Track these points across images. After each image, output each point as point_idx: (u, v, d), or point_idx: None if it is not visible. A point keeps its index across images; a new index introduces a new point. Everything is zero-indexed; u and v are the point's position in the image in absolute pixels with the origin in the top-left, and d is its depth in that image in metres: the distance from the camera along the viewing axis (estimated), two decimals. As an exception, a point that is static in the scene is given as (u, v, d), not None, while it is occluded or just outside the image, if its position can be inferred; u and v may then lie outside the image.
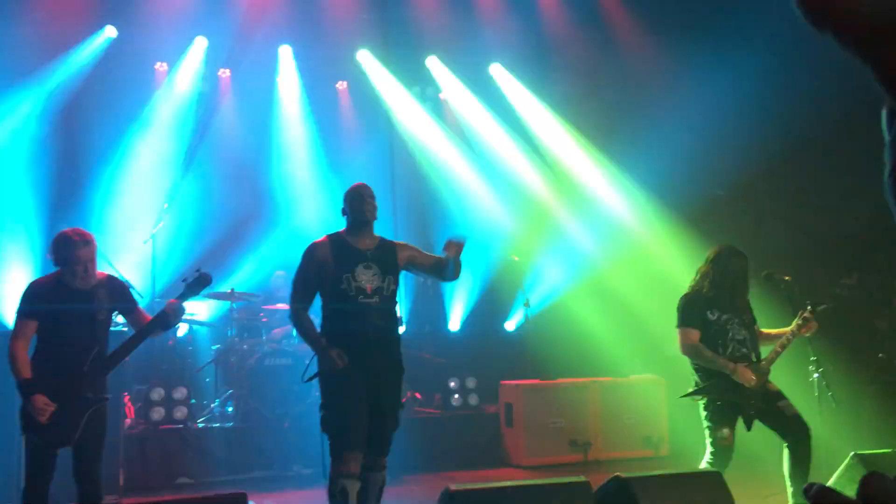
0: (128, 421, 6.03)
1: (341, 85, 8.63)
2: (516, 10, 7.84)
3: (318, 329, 3.85)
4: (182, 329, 7.03)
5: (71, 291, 3.74)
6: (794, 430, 4.16)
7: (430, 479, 5.96)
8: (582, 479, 3.53)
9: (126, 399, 5.95)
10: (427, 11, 7.81)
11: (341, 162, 8.18)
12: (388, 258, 3.91)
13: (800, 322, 4.29)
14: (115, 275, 4.38)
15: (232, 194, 7.93)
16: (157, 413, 6.06)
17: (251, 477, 6.00)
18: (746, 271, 4.41)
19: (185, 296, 3.81)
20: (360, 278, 3.75)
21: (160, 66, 7.92)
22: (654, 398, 7.04)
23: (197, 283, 3.79)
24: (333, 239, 3.90)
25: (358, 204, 3.87)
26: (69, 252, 3.73)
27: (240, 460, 6.11)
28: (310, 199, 8.14)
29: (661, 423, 7.00)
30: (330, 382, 3.74)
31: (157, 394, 6.13)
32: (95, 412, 3.70)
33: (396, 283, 3.91)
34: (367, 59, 8.33)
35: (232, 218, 7.78)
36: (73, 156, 7.21)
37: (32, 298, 3.76)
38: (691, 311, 4.33)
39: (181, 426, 6.09)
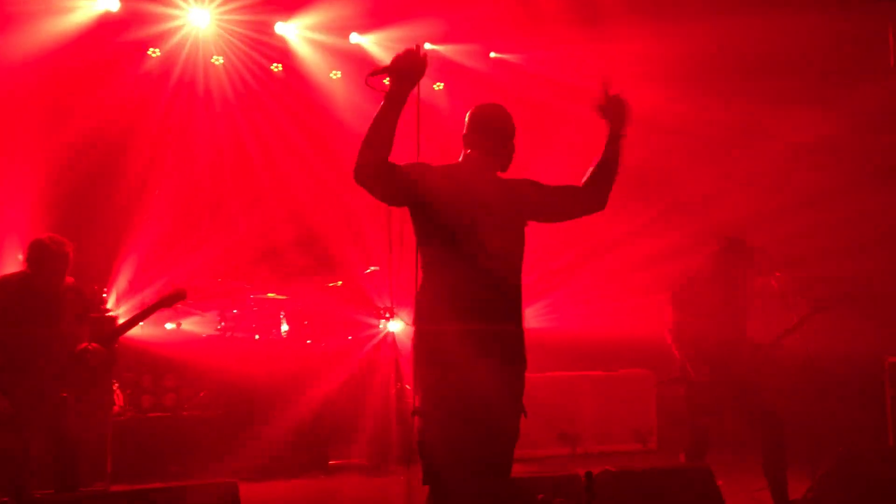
0: (116, 408, 6.01)
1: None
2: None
3: None
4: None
5: (36, 293, 3.79)
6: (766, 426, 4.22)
7: (417, 471, 5.97)
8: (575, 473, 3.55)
9: (115, 386, 5.94)
10: None
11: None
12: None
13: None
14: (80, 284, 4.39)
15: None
16: (146, 400, 6.06)
17: (242, 465, 6.00)
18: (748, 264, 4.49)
19: (156, 306, 3.93)
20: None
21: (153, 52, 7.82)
22: (643, 392, 7.12)
23: (171, 298, 3.94)
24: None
25: None
26: (43, 258, 3.78)
27: (230, 448, 6.10)
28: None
29: (649, 418, 7.08)
30: None
31: (146, 381, 6.13)
32: (53, 409, 3.73)
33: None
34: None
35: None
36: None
37: None
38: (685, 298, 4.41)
39: (170, 414, 6.08)
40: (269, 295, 6.94)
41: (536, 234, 3.12)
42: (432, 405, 2.82)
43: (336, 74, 8.20)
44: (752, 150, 7.33)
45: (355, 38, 8.06)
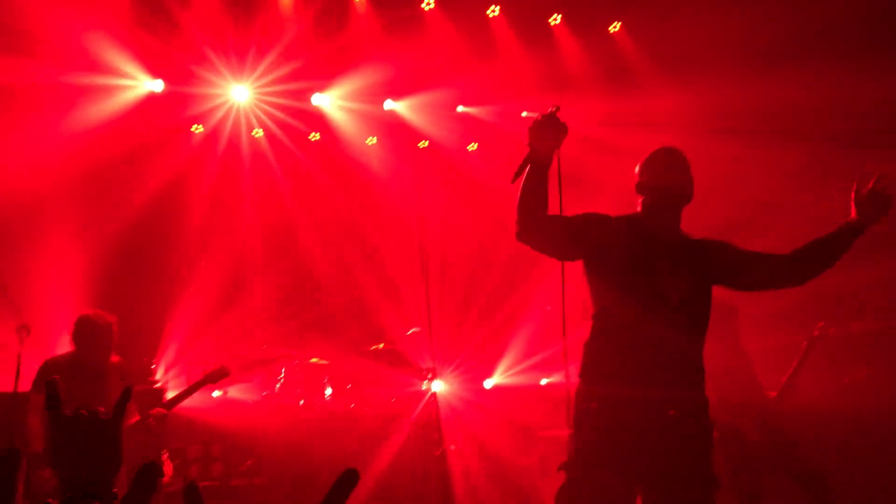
0: (166, 479, 6.05)
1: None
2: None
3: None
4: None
5: (84, 369, 3.90)
6: None
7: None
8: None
9: (164, 456, 5.99)
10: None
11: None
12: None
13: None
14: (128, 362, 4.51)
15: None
16: (194, 470, 6.11)
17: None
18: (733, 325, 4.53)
19: (202, 383, 4.04)
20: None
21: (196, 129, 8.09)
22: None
23: (216, 374, 4.07)
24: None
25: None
26: (88, 333, 3.89)
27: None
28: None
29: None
30: None
31: (194, 450, 6.18)
32: None
33: None
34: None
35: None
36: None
37: (46, 374, 3.91)
38: None
39: (218, 483, 6.11)
40: (312, 360, 6.99)
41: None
42: (580, 466, 2.62)
43: (372, 140, 8.39)
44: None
45: (389, 104, 8.26)
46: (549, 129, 2.66)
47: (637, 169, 2.89)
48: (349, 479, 0.90)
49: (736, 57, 6.81)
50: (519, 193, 2.67)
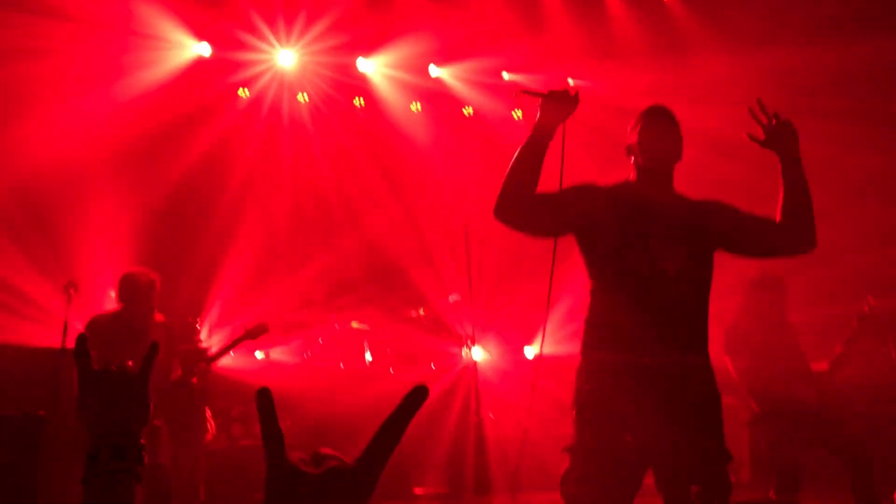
0: (209, 436, 6.21)
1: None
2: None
3: None
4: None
5: (129, 327, 3.99)
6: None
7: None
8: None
9: (208, 414, 6.14)
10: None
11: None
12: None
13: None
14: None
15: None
16: (237, 429, 6.24)
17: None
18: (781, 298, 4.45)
19: (241, 339, 4.11)
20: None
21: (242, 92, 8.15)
22: (733, 422, 6.87)
23: (255, 330, 4.14)
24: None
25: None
26: (131, 290, 3.98)
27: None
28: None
29: (741, 448, 6.81)
30: None
31: (236, 410, 6.32)
32: (147, 439, 3.93)
33: None
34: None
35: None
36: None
37: (93, 330, 4.02)
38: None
39: (259, 442, 6.23)
40: (353, 324, 7.07)
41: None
42: (585, 446, 2.47)
43: (416, 107, 8.37)
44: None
45: (434, 70, 8.22)
46: (558, 102, 2.55)
47: (628, 130, 2.75)
48: (419, 394, 0.91)
49: (796, 25, 6.59)
50: (509, 165, 2.53)
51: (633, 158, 2.72)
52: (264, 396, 0.92)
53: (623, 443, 2.41)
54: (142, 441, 1.19)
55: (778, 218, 2.64)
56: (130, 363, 1.23)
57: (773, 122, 2.58)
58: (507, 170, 2.53)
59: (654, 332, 2.49)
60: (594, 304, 2.63)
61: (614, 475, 2.42)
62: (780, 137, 2.59)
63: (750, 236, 2.68)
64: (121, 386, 1.21)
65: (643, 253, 2.53)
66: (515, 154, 2.53)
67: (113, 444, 1.16)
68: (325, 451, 0.93)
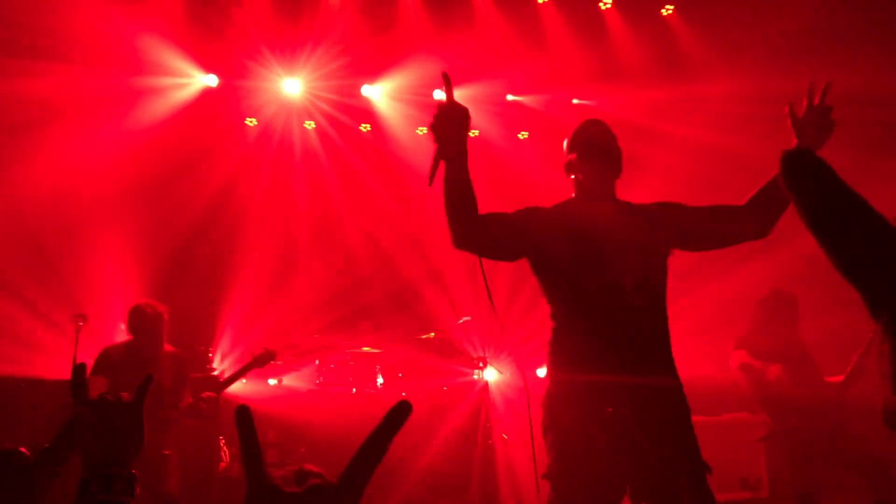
0: (223, 465, 6.20)
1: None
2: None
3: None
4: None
5: (139, 357, 4.04)
6: None
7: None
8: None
9: (221, 442, 6.14)
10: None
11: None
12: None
13: None
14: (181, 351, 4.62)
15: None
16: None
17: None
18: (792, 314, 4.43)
19: (249, 367, 4.16)
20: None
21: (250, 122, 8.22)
22: (750, 437, 6.80)
23: (262, 358, 4.19)
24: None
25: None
26: (140, 322, 4.05)
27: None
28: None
29: (757, 464, 6.75)
30: None
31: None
32: (156, 468, 3.94)
33: None
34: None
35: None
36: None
37: (104, 360, 4.06)
38: None
39: (270, 469, 6.22)
40: (364, 349, 7.07)
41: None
42: (560, 472, 2.44)
43: (422, 131, 8.42)
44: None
45: (438, 94, 8.27)
46: (450, 115, 2.38)
47: (564, 146, 2.70)
48: (402, 410, 0.91)
49: (799, 42, 6.60)
50: (443, 197, 2.40)
51: (573, 176, 2.68)
52: (243, 414, 0.91)
53: (596, 468, 2.36)
54: (133, 471, 1.20)
55: (744, 201, 2.58)
56: (125, 395, 1.24)
57: (821, 107, 2.47)
58: (444, 204, 2.43)
59: (618, 349, 2.44)
60: (555, 328, 2.58)
61: (593, 501, 2.39)
62: (813, 124, 2.47)
63: (703, 230, 2.61)
64: (116, 415, 1.21)
65: (598, 270, 2.47)
66: (443, 184, 2.42)
67: (104, 475, 1.16)
68: (308, 467, 0.92)
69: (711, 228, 2.61)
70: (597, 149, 2.62)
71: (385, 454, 0.88)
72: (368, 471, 0.92)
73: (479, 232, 2.45)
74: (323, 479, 0.88)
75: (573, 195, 2.69)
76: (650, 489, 2.39)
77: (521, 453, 6.64)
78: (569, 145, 2.69)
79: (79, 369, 1.24)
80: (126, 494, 1.17)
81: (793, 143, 2.45)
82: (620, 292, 2.46)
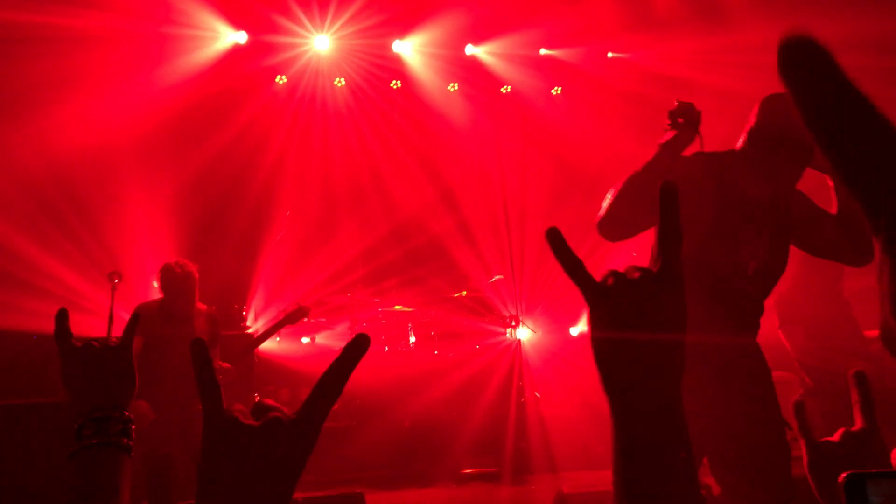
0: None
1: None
2: None
3: None
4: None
5: (172, 316, 4.08)
6: None
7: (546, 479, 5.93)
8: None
9: (256, 398, 6.23)
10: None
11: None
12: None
13: None
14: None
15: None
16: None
17: (370, 475, 6.14)
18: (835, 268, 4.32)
19: (282, 323, 4.20)
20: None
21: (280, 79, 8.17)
22: (790, 397, 6.74)
23: (295, 314, 4.21)
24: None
25: None
26: (171, 281, 4.08)
27: (362, 459, 6.25)
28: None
29: (792, 422, 6.68)
30: None
31: (284, 394, 6.40)
32: (190, 421, 4.00)
33: None
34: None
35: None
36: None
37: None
38: None
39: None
40: (397, 307, 7.08)
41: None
42: None
43: (454, 87, 8.31)
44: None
45: (470, 49, 8.14)
46: (691, 117, 2.48)
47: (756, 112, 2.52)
48: (360, 343, 0.88)
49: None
50: (623, 184, 2.40)
51: (743, 139, 2.51)
52: (198, 345, 0.88)
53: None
54: (127, 414, 1.19)
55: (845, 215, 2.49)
56: (113, 339, 1.23)
57: None
58: (619, 188, 2.42)
59: (712, 316, 2.38)
60: None
61: None
62: None
63: (821, 237, 2.54)
64: (103, 359, 1.21)
65: (728, 250, 2.44)
66: (645, 166, 2.42)
67: (98, 418, 1.16)
68: (267, 402, 0.90)
69: (826, 237, 2.53)
70: (784, 128, 2.41)
71: (343, 388, 0.86)
72: (326, 405, 0.89)
73: (633, 223, 2.45)
74: (282, 413, 0.86)
75: (738, 157, 2.51)
76: (729, 445, 2.39)
77: (554, 411, 6.65)
78: (757, 115, 2.50)
79: (61, 314, 1.22)
80: (121, 436, 1.17)
81: None
82: (742, 275, 2.45)
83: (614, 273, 0.90)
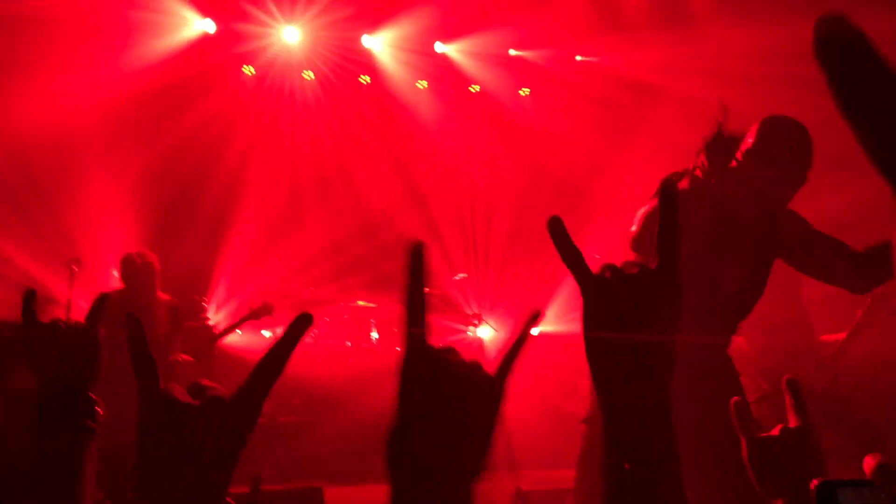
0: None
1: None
2: None
3: None
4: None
5: (133, 306, 4.05)
6: None
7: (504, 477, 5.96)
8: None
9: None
10: None
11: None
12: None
13: None
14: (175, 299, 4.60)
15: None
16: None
17: (329, 470, 6.12)
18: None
19: (245, 319, 4.22)
20: None
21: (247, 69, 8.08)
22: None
23: (259, 311, 4.23)
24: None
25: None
26: (131, 271, 4.05)
27: (321, 453, 6.23)
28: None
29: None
30: None
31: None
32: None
33: None
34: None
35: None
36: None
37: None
38: None
39: (266, 420, 6.25)
40: (359, 303, 7.07)
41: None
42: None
43: (422, 84, 8.30)
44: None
45: (440, 47, 8.14)
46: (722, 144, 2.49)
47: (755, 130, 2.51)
48: (302, 322, 0.88)
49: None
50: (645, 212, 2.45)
51: (739, 158, 2.50)
52: (131, 321, 0.88)
53: None
54: (92, 395, 1.18)
55: (865, 249, 2.46)
56: (79, 318, 1.22)
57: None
58: (644, 214, 2.46)
59: (686, 327, 2.36)
60: None
61: None
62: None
63: (817, 258, 2.53)
64: (69, 338, 1.20)
65: (710, 268, 2.46)
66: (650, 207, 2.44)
67: (62, 399, 1.15)
68: (204, 382, 0.90)
69: (822, 260, 2.53)
70: (776, 151, 2.43)
71: (283, 368, 0.87)
72: (267, 385, 0.90)
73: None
74: (220, 393, 0.86)
75: (735, 168, 2.50)
76: (698, 448, 2.28)
77: (514, 410, 6.66)
78: (755, 134, 2.48)
79: (29, 295, 1.21)
80: (85, 418, 1.16)
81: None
82: (719, 292, 2.48)
83: (611, 267, 0.91)
